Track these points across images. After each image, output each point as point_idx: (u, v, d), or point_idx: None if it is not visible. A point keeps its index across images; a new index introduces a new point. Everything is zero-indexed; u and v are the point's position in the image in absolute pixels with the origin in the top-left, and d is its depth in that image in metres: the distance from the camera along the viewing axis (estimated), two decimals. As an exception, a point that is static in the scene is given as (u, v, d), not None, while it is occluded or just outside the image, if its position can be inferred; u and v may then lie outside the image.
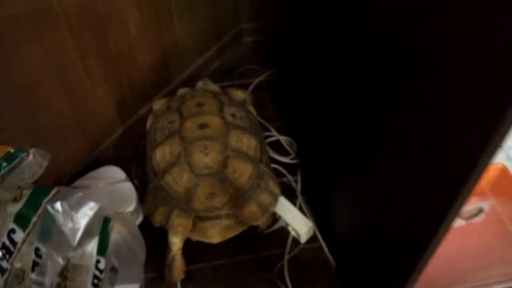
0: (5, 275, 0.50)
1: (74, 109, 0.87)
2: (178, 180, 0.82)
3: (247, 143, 0.88)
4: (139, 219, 0.88)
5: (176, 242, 0.82)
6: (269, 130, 1.10)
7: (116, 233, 0.70)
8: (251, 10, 1.26)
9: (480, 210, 0.73)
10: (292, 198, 0.95)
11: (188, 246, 0.89)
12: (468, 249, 0.72)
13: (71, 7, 0.76)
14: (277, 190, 0.89)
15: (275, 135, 1.09)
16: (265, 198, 0.85)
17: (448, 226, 0.44)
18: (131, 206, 0.86)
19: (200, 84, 1.07)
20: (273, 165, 0.99)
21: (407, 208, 0.53)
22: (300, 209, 0.93)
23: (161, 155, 0.87)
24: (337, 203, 0.85)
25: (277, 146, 1.07)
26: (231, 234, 0.82)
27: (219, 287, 0.85)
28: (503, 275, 0.67)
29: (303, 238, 0.89)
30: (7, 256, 0.51)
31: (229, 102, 0.98)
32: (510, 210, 0.81)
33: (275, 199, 0.87)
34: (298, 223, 0.89)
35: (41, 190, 0.58)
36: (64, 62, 0.80)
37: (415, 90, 0.46)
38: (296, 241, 0.91)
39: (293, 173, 1.02)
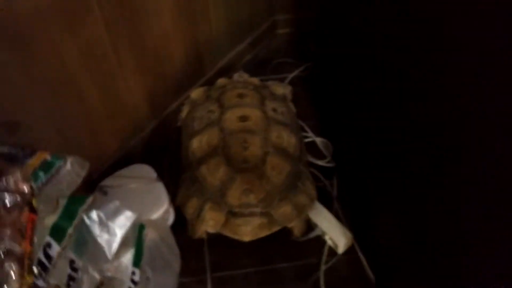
0: (40, 293, 0.47)
1: (105, 103, 0.83)
2: (214, 172, 0.79)
3: (288, 140, 0.84)
4: (170, 220, 0.85)
5: (203, 233, 0.81)
6: (304, 130, 1.05)
7: (150, 240, 0.67)
8: (285, 1, 1.20)
9: None
10: (327, 204, 0.90)
11: (220, 251, 0.86)
12: None
13: (107, -1, 0.72)
14: (313, 192, 0.85)
15: (311, 136, 1.04)
16: (301, 199, 0.81)
17: None
18: (163, 207, 0.83)
19: (236, 76, 1.03)
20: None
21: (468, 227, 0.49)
22: (336, 216, 0.89)
23: (198, 144, 0.83)
24: (379, 212, 0.80)
25: (312, 147, 1.02)
26: (264, 233, 0.79)
27: (251, 296, 0.82)
28: None
29: (341, 249, 0.85)
30: (43, 274, 0.47)
31: (271, 96, 0.94)
32: None
33: (312, 201, 0.83)
34: (336, 233, 0.84)
35: (77, 198, 0.55)
36: (98, 56, 0.76)
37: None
38: (332, 251, 0.86)
39: (329, 178, 0.97)
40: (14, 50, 0.61)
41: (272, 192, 0.78)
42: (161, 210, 0.83)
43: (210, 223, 0.77)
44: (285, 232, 0.84)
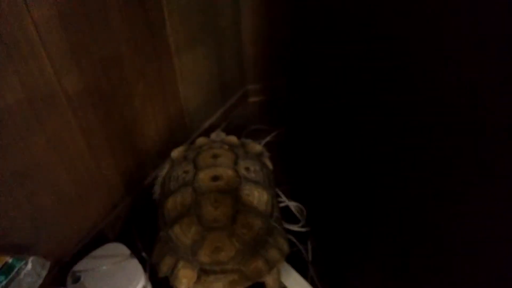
0: None
1: (76, 186, 0.85)
2: (186, 232, 0.82)
3: (259, 197, 0.87)
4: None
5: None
6: (277, 195, 1.07)
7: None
8: (256, 72, 1.26)
9: None
10: (303, 269, 0.91)
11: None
12: None
13: (74, 89, 0.76)
14: (286, 247, 0.86)
15: (284, 201, 1.06)
16: (273, 254, 0.82)
17: None
18: (140, 283, 0.83)
19: (213, 135, 1.07)
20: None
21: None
22: (312, 283, 0.89)
23: (172, 204, 0.86)
24: (356, 279, 0.81)
25: (286, 212, 1.04)
26: None
27: None
28: None
29: (316, 318, 0.85)
30: None
31: (245, 155, 0.97)
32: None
33: (283, 256, 0.84)
34: (310, 301, 0.84)
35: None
36: (66, 142, 0.79)
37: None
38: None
39: (304, 242, 0.98)
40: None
41: (242, 249, 0.80)
42: (139, 287, 0.83)
43: (183, 280, 0.78)
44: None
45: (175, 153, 1.00)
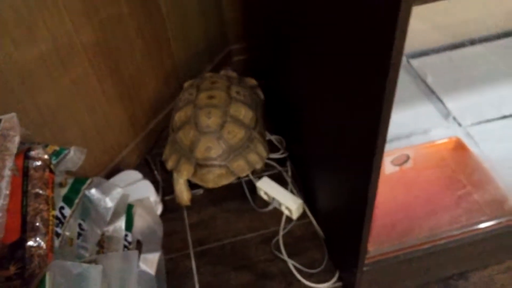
0: (60, 238, 0.67)
1: (96, 125, 1.06)
2: (186, 135, 1.06)
3: (244, 113, 1.10)
4: (159, 210, 1.06)
5: (180, 182, 1.08)
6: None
7: (139, 215, 0.88)
8: (237, 33, 1.46)
9: (408, 157, 0.89)
10: (284, 185, 1.12)
11: (200, 231, 1.07)
12: (411, 198, 0.87)
13: (89, 42, 0.96)
14: (264, 153, 1.11)
15: (267, 135, 1.26)
16: (252, 157, 1.07)
17: (378, 164, 0.61)
18: (151, 199, 1.04)
19: (222, 72, 1.31)
20: (266, 161, 1.17)
21: (350, 165, 0.70)
22: (292, 193, 1.10)
23: (178, 116, 1.11)
24: (319, 185, 1.02)
25: (269, 144, 1.25)
26: (223, 182, 1.06)
27: (226, 261, 1.02)
28: (453, 221, 0.83)
29: (295, 215, 1.06)
30: (60, 225, 0.68)
31: (238, 84, 1.20)
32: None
33: (262, 160, 1.10)
34: (289, 201, 1.06)
35: (80, 179, 0.76)
36: (86, 87, 0.99)
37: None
38: (289, 219, 1.08)
39: (284, 165, 1.19)
40: (24, 83, 0.84)
41: (228, 150, 1.05)
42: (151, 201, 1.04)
43: (184, 172, 1.05)
44: (252, 209, 1.07)
45: (186, 84, 1.23)
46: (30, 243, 0.56)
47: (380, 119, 0.55)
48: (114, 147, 1.14)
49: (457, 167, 0.94)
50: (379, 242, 0.80)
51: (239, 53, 1.51)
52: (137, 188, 1.05)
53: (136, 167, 1.19)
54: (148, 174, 1.16)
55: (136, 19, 1.08)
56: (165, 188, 1.16)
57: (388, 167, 0.87)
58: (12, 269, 0.53)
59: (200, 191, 1.15)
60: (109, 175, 1.11)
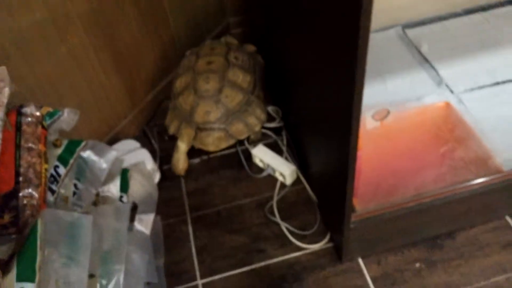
0: (54, 195, 0.70)
1: (93, 95, 1.09)
2: (186, 100, 1.11)
3: (243, 77, 1.13)
4: (157, 178, 1.09)
5: (182, 147, 1.11)
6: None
7: (134, 179, 0.91)
8: (235, 5, 1.47)
9: (388, 112, 0.91)
10: (279, 153, 1.14)
11: (196, 198, 1.10)
12: (395, 155, 0.89)
13: (84, 11, 0.98)
14: (263, 116, 1.15)
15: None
16: (251, 120, 1.11)
17: (358, 117, 0.63)
18: (148, 166, 1.07)
19: (222, 39, 1.33)
20: (263, 130, 1.20)
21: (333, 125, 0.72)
22: (286, 160, 1.13)
23: (179, 83, 1.15)
24: (311, 151, 1.04)
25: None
26: (223, 145, 1.11)
27: (222, 225, 1.05)
28: (438, 179, 0.85)
29: (288, 180, 1.08)
30: (55, 183, 0.71)
31: (237, 50, 1.22)
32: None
33: (260, 122, 1.14)
34: (283, 167, 1.08)
35: (75, 141, 0.79)
36: (83, 57, 1.02)
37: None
38: (283, 185, 1.10)
39: (279, 134, 1.21)
40: (20, 50, 0.87)
41: (226, 113, 1.09)
42: (148, 168, 1.07)
43: (185, 136, 1.10)
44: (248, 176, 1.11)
45: (188, 52, 1.27)
46: (23, 193, 0.59)
47: (356, 71, 0.57)
48: (112, 117, 1.17)
49: (441, 125, 0.96)
50: (366, 200, 0.83)
51: (237, 25, 1.52)
52: (135, 156, 1.08)
53: (135, 138, 1.22)
54: (146, 145, 1.19)
55: (130, -12, 1.10)
56: (162, 157, 1.18)
57: (369, 121, 0.89)
58: (7, 218, 0.57)
59: (197, 160, 1.18)
60: (108, 144, 1.14)
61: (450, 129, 0.93)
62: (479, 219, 0.95)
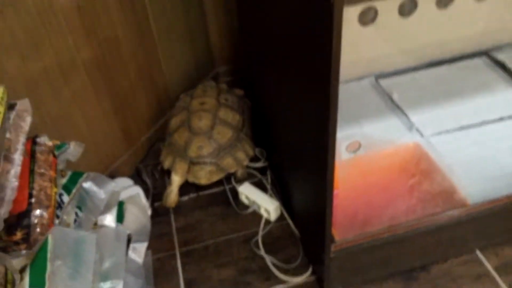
0: (59, 220, 0.77)
1: (92, 136, 1.16)
2: (181, 136, 1.20)
3: (232, 116, 1.24)
4: (148, 212, 1.15)
5: (176, 180, 1.19)
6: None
7: (129, 211, 0.97)
8: (223, 56, 1.60)
9: (360, 145, 1.00)
10: (264, 191, 1.22)
11: (186, 234, 1.16)
12: (368, 185, 0.98)
13: (87, 58, 1.08)
14: (251, 151, 1.25)
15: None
16: (239, 155, 1.21)
17: (333, 151, 0.71)
18: (142, 203, 1.13)
19: (213, 83, 1.43)
20: (248, 170, 1.28)
21: (313, 160, 0.81)
22: (271, 197, 1.20)
23: (174, 121, 1.25)
24: (293, 189, 1.12)
25: (251, 156, 1.35)
26: (214, 178, 1.19)
27: (210, 259, 1.10)
28: (409, 211, 0.93)
29: (273, 216, 1.15)
30: (59, 209, 0.78)
31: (227, 93, 1.34)
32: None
33: (248, 157, 1.24)
34: (268, 204, 1.16)
35: (78, 172, 0.86)
36: (85, 100, 1.11)
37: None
38: (267, 221, 1.17)
39: (264, 174, 1.30)
40: (29, 92, 0.95)
41: (218, 148, 1.19)
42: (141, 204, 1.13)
43: (179, 170, 1.18)
44: (235, 213, 1.16)
45: (182, 94, 1.37)
46: (35, 213, 0.65)
47: (329, 110, 0.67)
48: (109, 157, 1.24)
49: (409, 159, 1.05)
50: (344, 230, 0.90)
51: (226, 75, 1.64)
52: (129, 192, 1.14)
53: (129, 177, 1.29)
54: (139, 183, 1.26)
55: (130, 42, 1.21)
56: (154, 195, 1.25)
57: (343, 153, 0.98)
58: (19, 235, 0.63)
59: (186, 198, 1.25)
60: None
61: (417, 163, 1.03)
62: (451, 251, 1.02)
